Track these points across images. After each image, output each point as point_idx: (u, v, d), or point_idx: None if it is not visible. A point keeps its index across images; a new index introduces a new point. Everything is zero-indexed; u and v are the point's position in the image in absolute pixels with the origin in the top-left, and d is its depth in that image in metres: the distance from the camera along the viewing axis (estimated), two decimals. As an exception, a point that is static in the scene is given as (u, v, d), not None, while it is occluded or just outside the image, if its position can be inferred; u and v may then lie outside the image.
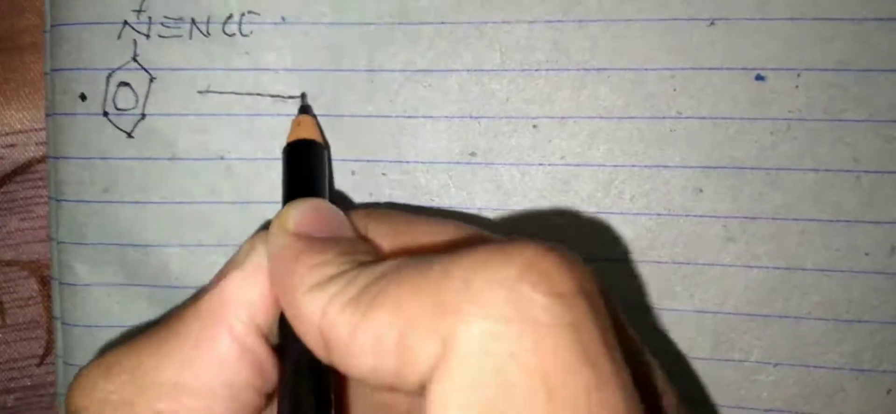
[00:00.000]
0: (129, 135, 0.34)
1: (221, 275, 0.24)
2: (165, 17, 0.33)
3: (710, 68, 0.31)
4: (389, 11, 0.32)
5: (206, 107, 0.33)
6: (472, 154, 0.32)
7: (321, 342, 0.21)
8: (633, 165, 0.32)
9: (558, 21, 0.31)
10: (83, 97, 0.33)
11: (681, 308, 0.32)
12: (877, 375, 0.32)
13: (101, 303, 0.34)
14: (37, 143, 0.35)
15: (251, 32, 0.33)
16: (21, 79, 0.35)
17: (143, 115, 0.33)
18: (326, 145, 0.32)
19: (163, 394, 0.22)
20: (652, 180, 0.32)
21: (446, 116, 0.32)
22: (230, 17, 0.33)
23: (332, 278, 0.21)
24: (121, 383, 0.23)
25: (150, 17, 0.33)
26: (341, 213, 0.25)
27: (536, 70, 0.32)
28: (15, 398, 0.35)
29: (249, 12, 0.33)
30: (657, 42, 0.31)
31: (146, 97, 0.33)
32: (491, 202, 0.32)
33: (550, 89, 0.32)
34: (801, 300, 0.32)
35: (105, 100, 0.33)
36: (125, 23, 0.33)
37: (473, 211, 0.33)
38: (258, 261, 0.24)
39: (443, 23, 0.32)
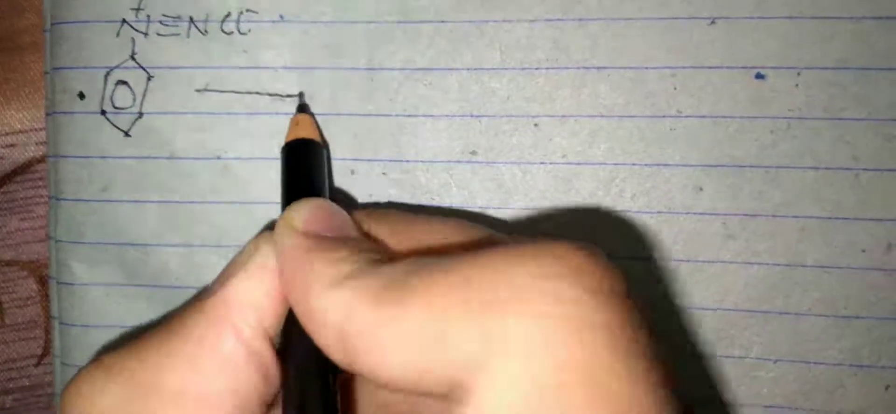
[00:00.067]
0: (127, 134, 0.30)
1: (225, 276, 0.21)
2: (164, 15, 0.29)
3: (711, 67, 0.28)
4: (389, 9, 0.29)
5: (203, 105, 0.29)
6: (473, 153, 0.29)
7: (340, 342, 0.18)
8: (634, 164, 0.29)
9: (559, 20, 0.28)
10: (82, 96, 0.29)
11: (681, 305, 0.29)
12: (876, 370, 0.29)
13: (98, 302, 0.30)
14: (37, 143, 0.31)
15: (249, 31, 0.29)
16: (21, 79, 0.31)
17: (141, 114, 0.28)
18: (325, 144, 0.28)
19: (166, 400, 0.19)
20: (652, 178, 0.29)
21: (447, 115, 0.29)
22: (228, 15, 0.29)
23: (352, 274, 0.18)
24: (121, 388, 0.20)
25: (148, 16, 0.29)
26: (344, 212, 0.22)
27: (537, 68, 0.29)
28: (13, 399, 0.31)
29: (248, 11, 0.29)
30: (658, 41, 0.28)
31: (144, 96, 0.29)
32: (492, 201, 0.29)
33: (551, 88, 0.29)
34: (800, 297, 0.29)
35: (103, 98, 0.29)
36: (123, 21, 0.29)
37: (475, 210, 0.29)
38: (264, 261, 0.21)
39: (443, 21, 0.29)
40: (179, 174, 0.29)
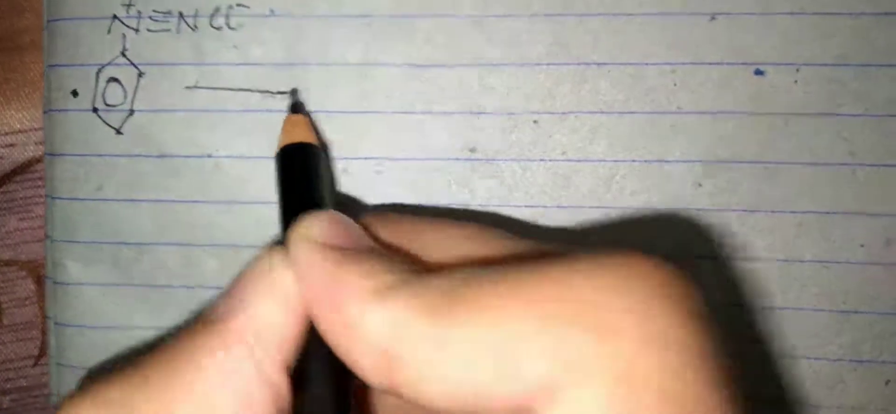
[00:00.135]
0: (119, 131, 0.25)
1: (236, 297, 0.16)
2: (154, 10, 0.25)
3: (710, 63, 0.25)
4: (386, 4, 0.25)
5: (193, 103, 0.25)
6: (472, 150, 0.25)
7: (383, 361, 0.14)
8: (634, 160, 0.25)
9: (558, 15, 0.25)
10: (75, 93, 0.25)
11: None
12: (875, 366, 0.25)
13: (93, 302, 0.25)
14: (36, 143, 0.27)
15: (239, 25, 0.25)
16: (21, 79, 0.26)
17: (132, 112, 0.24)
18: (324, 145, 0.24)
19: None
20: (653, 175, 0.25)
21: (445, 112, 0.25)
22: (217, 9, 0.25)
23: (395, 285, 0.14)
24: None
25: (139, 12, 0.25)
26: (356, 224, 0.17)
27: (537, 65, 0.25)
28: (11, 399, 0.27)
29: (238, 5, 0.24)
30: (658, 37, 0.25)
31: (135, 93, 0.25)
32: (491, 199, 0.25)
33: (551, 84, 0.25)
34: (799, 292, 0.25)
35: (95, 96, 0.25)
36: (114, 17, 0.25)
37: (474, 208, 0.25)
38: (282, 282, 0.16)
39: (441, 16, 0.25)
40: (171, 173, 0.25)
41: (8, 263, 0.26)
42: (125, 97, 0.25)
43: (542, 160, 0.25)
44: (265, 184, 0.25)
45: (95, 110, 0.25)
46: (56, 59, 0.25)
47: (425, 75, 0.25)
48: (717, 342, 0.13)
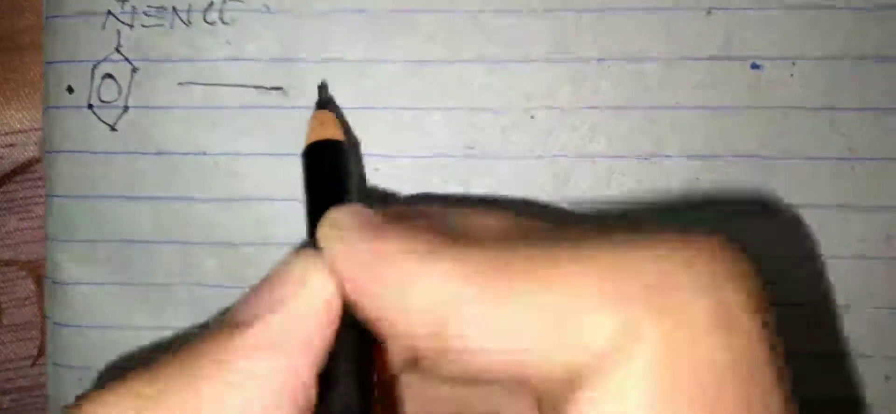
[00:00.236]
0: (113, 128, 0.22)
1: (264, 298, 0.14)
2: (148, 6, 0.22)
3: (708, 58, 0.22)
4: (383, 0, 0.22)
5: (188, 99, 0.22)
6: (471, 147, 0.22)
7: (435, 326, 0.12)
8: (633, 156, 0.22)
9: (557, 12, 0.22)
10: (70, 90, 0.22)
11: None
12: (875, 361, 0.23)
13: (91, 302, 0.22)
14: (36, 143, 0.24)
15: (233, 20, 0.22)
16: (21, 79, 0.23)
17: (126, 108, 0.22)
18: (352, 141, 0.21)
19: None
20: (651, 171, 0.22)
21: (443, 109, 0.22)
22: (211, 4, 0.22)
23: (447, 244, 0.13)
24: None
25: (133, 7, 0.22)
26: (388, 214, 0.15)
27: (535, 62, 0.22)
28: (11, 399, 0.24)
29: (231, 0, 0.22)
30: (655, 32, 0.22)
31: (129, 89, 0.22)
32: (489, 196, 0.22)
33: (550, 81, 0.22)
34: (798, 288, 0.22)
35: (90, 92, 0.22)
36: (109, 12, 0.22)
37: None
38: (313, 282, 0.14)
39: (440, 12, 0.22)
40: (167, 170, 0.22)
41: (8, 263, 0.24)
42: (120, 93, 0.22)
43: (541, 157, 0.22)
44: (262, 180, 0.22)
45: (90, 107, 0.22)
46: (53, 55, 0.22)
47: (423, 72, 0.22)
48: (777, 334, 0.12)
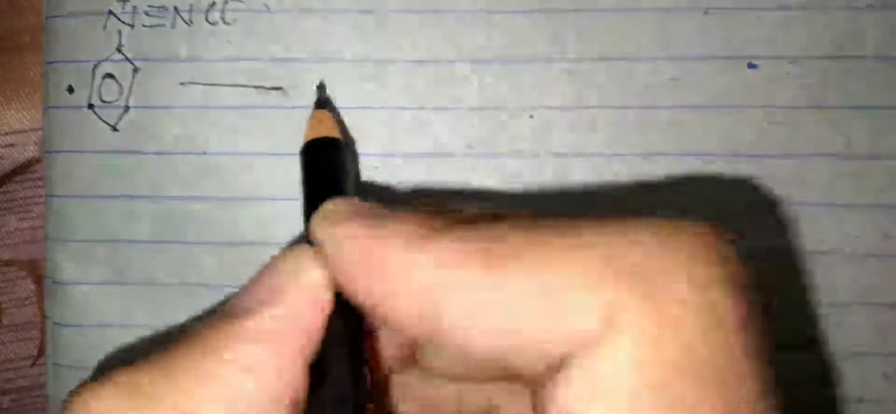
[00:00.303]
0: (114, 128, 0.22)
1: (259, 291, 0.15)
2: (149, 5, 0.22)
3: (704, 57, 0.22)
4: (383, 0, 0.22)
5: (189, 99, 0.22)
6: (469, 146, 0.22)
7: (430, 307, 0.12)
8: (631, 155, 0.22)
9: (555, 11, 0.22)
10: (71, 90, 0.22)
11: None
12: (874, 359, 0.23)
13: (90, 302, 0.22)
14: (36, 143, 0.24)
15: (234, 21, 0.22)
16: (21, 79, 0.23)
17: (127, 108, 0.22)
18: (349, 140, 0.21)
19: None
20: (649, 169, 0.22)
21: (443, 108, 0.22)
22: (213, 4, 0.22)
23: (440, 228, 0.13)
24: (135, 407, 0.13)
25: (134, 7, 0.22)
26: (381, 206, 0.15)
27: (534, 60, 0.22)
28: (10, 400, 0.24)
29: (233, 0, 0.22)
30: (653, 31, 0.22)
31: (130, 89, 0.22)
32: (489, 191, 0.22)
33: (548, 80, 0.22)
34: (796, 285, 0.23)
35: (91, 92, 0.22)
36: (110, 12, 0.22)
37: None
38: (307, 275, 0.15)
39: (439, 12, 0.22)
40: (167, 170, 0.22)
41: (8, 263, 0.24)
42: (121, 93, 0.22)
43: (539, 155, 0.22)
44: (262, 180, 0.22)
45: (91, 107, 0.22)
46: (53, 55, 0.22)
47: (423, 72, 0.22)
48: (758, 316, 0.12)
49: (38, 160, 0.24)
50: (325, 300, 0.15)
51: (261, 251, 0.22)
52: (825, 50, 0.22)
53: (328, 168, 0.19)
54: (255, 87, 0.22)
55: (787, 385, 0.23)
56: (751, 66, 0.22)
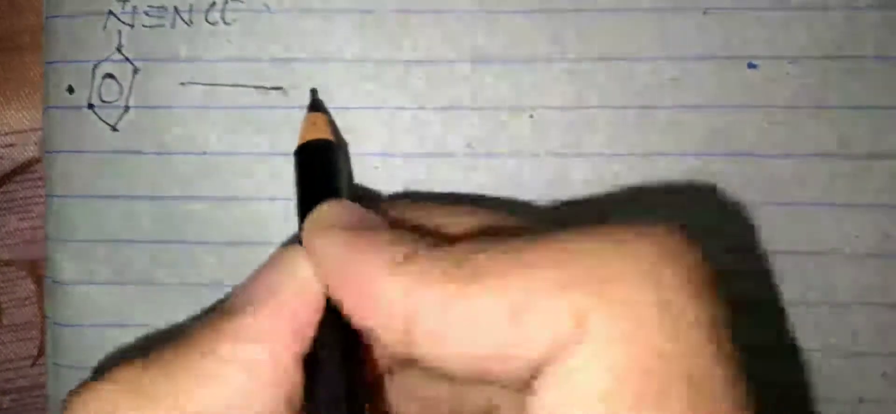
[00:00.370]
0: (114, 128, 0.22)
1: (256, 293, 0.15)
2: (149, 6, 0.22)
3: (704, 57, 0.22)
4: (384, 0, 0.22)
5: (189, 99, 0.22)
6: (469, 145, 0.22)
7: (403, 327, 0.13)
8: (630, 155, 0.22)
9: (555, 11, 0.22)
10: (71, 90, 0.22)
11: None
12: (873, 358, 0.23)
13: (90, 302, 0.22)
14: (36, 143, 0.24)
15: (234, 21, 0.22)
16: (21, 79, 0.24)
17: (127, 108, 0.22)
18: (342, 142, 0.22)
19: None
20: (648, 169, 0.22)
21: (442, 108, 0.22)
22: (213, 4, 0.22)
23: (412, 255, 0.13)
24: (133, 404, 0.13)
25: (134, 7, 0.22)
26: (371, 212, 0.16)
27: (533, 60, 0.22)
28: (10, 400, 0.24)
29: (233, 0, 0.22)
30: (652, 31, 0.22)
31: (130, 89, 0.22)
32: (487, 194, 0.22)
33: (548, 79, 0.22)
34: (795, 285, 0.22)
35: (91, 92, 0.22)
36: (110, 12, 0.22)
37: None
38: (300, 274, 0.15)
39: (438, 11, 0.22)
40: (167, 170, 0.22)
41: (8, 263, 0.24)
42: (121, 93, 0.22)
43: (538, 155, 0.22)
44: (261, 180, 0.22)
45: (91, 107, 0.22)
46: (53, 55, 0.22)
47: (423, 71, 0.22)
48: (724, 315, 0.13)
49: (38, 160, 0.24)
50: (319, 299, 0.15)
51: (260, 251, 0.22)
52: (825, 50, 0.22)
53: (321, 170, 0.19)
54: (255, 87, 0.22)
55: (786, 385, 0.23)
56: (751, 66, 0.22)
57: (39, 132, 0.24)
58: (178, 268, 0.22)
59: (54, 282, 0.23)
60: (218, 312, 0.15)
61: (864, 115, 0.22)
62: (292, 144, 0.20)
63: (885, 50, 0.22)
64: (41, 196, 0.24)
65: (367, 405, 0.16)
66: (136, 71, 0.22)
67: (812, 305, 0.22)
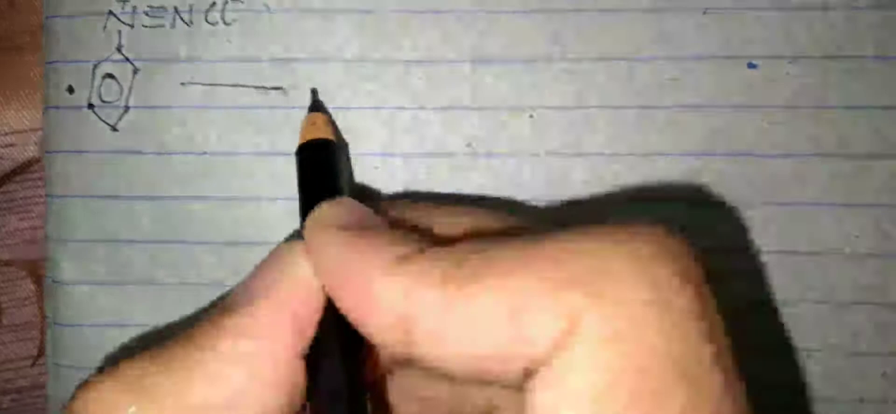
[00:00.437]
0: (114, 128, 0.22)
1: (256, 289, 0.15)
2: (149, 6, 0.22)
3: (704, 57, 0.22)
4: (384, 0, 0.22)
5: (189, 99, 0.22)
6: (469, 145, 0.22)
7: (400, 328, 0.13)
8: (630, 155, 0.22)
9: (554, 11, 0.22)
10: (71, 90, 0.22)
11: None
12: (872, 357, 0.23)
13: (89, 301, 0.22)
14: (36, 143, 0.24)
15: (234, 21, 0.22)
16: (21, 79, 0.24)
17: (127, 108, 0.22)
18: (342, 142, 0.22)
19: None
20: (648, 169, 0.22)
21: (441, 107, 0.22)
22: (213, 4, 0.22)
23: (410, 256, 0.14)
24: (135, 399, 0.14)
25: (134, 7, 0.22)
26: (371, 211, 0.16)
27: (533, 60, 0.22)
28: (11, 400, 0.24)
29: (233, 0, 0.22)
30: (652, 31, 0.22)
31: (130, 89, 0.22)
32: (487, 194, 0.22)
33: (547, 79, 0.22)
34: (795, 284, 0.22)
35: (91, 92, 0.22)
36: (110, 12, 0.22)
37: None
38: (304, 274, 0.15)
39: (437, 11, 0.22)
40: (167, 170, 0.22)
41: (8, 263, 0.24)
42: (121, 94, 0.22)
43: (538, 155, 0.22)
44: (261, 180, 0.22)
45: (91, 107, 0.22)
46: (53, 55, 0.22)
47: (423, 71, 0.22)
48: (716, 313, 0.13)
49: (38, 160, 0.24)
50: (320, 296, 0.15)
51: (260, 251, 0.22)
52: (825, 50, 0.22)
53: (322, 169, 0.19)
54: (255, 87, 0.22)
55: (786, 385, 0.23)
56: (751, 66, 0.22)
57: (39, 132, 0.24)
58: (178, 268, 0.22)
59: (54, 282, 0.23)
60: (219, 309, 0.15)
61: (863, 115, 0.22)
62: (292, 144, 0.20)
63: (885, 50, 0.22)
64: (41, 196, 0.24)
65: (368, 403, 0.16)
66: (136, 71, 0.22)
67: (812, 305, 0.22)
